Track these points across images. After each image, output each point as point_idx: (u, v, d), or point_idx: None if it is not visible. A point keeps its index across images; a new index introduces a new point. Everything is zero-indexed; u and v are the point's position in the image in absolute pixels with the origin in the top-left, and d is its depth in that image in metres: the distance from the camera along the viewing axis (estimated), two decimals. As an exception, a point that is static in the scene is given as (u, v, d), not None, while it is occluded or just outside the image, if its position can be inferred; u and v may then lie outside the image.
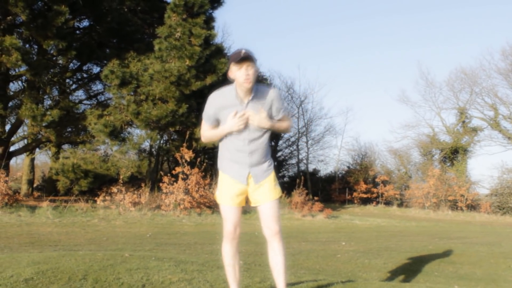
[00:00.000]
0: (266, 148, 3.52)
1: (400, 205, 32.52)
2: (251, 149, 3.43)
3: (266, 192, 3.49)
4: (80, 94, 22.19)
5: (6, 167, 16.46)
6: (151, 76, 15.66)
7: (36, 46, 17.78)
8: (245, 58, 3.26)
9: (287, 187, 24.11)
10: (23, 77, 18.29)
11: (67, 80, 20.38)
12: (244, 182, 3.45)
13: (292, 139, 35.08)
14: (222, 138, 3.50)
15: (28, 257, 5.01)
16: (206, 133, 3.53)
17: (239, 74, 3.29)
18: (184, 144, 16.33)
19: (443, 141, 36.12)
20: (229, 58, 3.41)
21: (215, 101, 3.43)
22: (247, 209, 13.49)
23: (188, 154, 15.96)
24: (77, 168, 16.23)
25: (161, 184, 16.03)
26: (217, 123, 3.46)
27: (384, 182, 32.52)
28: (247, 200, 3.59)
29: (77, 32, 18.61)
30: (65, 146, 21.65)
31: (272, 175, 3.55)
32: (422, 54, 67.58)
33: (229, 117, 3.34)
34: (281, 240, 3.50)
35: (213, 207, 16.84)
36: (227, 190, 3.49)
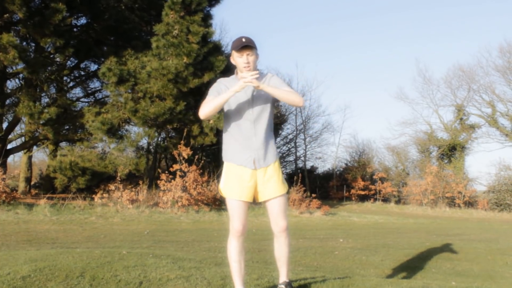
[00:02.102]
0: (269, 129, 3.60)
1: (398, 202, 32.54)
2: (256, 131, 3.50)
3: (274, 186, 3.54)
4: (77, 91, 22.20)
5: (4, 165, 16.44)
6: (148, 73, 15.65)
7: (33, 44, 17.74)
8: (246, 46, 3.44)
9: (285, 184, 24.04)
10: (21, 75, 18.26)
11: (65, 78, 20.36)
12: (251, 165, 3.48)
13: (290, 136, 35.13)
14: (227, 125, 3.59)
15: (25, 254, 5.01)
16: (207, 104, 3.45)
17: (240, 60, 3.48)
18: (182, 142, 16.33)
19: (441, 138, 36.16)
20: (231, 45, 3.57)
21: (219, 84, 3.60)
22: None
23: (185, 152, 15.96)
24: (74, 165, 16.21)
25: (158, 182, 16.02)
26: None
27: (382, 179, 32.54)
28: (254, 197, 3.58)
29: (75, 29, 18.56)
30: (63, 144, 21.60)
31: (278, 165, 3.61)
32: (420, 51, 67.77)
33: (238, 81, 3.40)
34: (288, 236, 3.61)
35: (210, 204, 16.84)
36: (235, 181, 3.51)
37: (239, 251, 3.49)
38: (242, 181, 3.49)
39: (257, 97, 3.52)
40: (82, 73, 21.39)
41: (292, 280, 4.30)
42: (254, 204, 3.70)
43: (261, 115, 3.53)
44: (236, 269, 3.49)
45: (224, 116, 3.63)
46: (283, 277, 3.68)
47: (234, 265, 3.49)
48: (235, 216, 3.48)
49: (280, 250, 3.63)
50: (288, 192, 3.72)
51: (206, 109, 3.44)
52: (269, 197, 3.53)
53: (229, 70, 19.63)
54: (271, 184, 3.53)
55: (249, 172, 3.49)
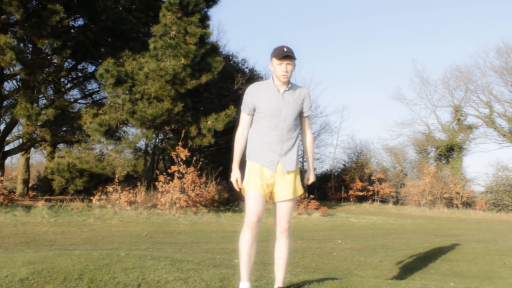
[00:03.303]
0: (296, 140, 3.76)
1: (396, 202, 32.57)
2: (284, 138, 3.66)
3: (289, 188, 3.69)
4: (75, 93, 22.15)
5: (1, 167, 16.44)
6: (146, 75, 15.64)
7: (30, 45, 17.72)
8: (287, 56, 3.58)
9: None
10: (18, 76, 18.22)
11: (62, 79, 20.32)
12: (273, 169, 3.64)
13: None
14: (256, 127, 3.74)
15: (23, 257, 4.99)
16: (238, 139, 3.78)
17: (279, 68, 3.61)
18: (180, 143, 16.31)
19: (439, 138, 36.22)
20: (271, 52, 3.68)
21: (253, 89, 3.75)
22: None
23: (183, 153, 15.94)
24: (72, 167, 16.19)
25: (157, 183, 15.99)
26: (254, 111, 3.72)
27: (380, 180, 32.55)
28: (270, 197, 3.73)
29: (72, 31, 18.55)
30: (61, 146, 21.60)
31: (297, 170, 3.77)
32: (417, 52, 67.77)
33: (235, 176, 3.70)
34: (288, 237, 3.77)
35: (209, 205, 16.82)
36: (257, 177, 3.63)
37: (251, 244, 3.55)
38: (263, 178, 3.62)
39: (288, 107, 3.68)
40: (80, 74, 21.36)
41: (291, 281, 4.30)
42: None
43: (291, 124, 3.69)
44: (245, 261, 3.55)
45: (254, 119, 3.76)
46: (278, 283, 3.75)
47: (244, 257, 3.56)
48: (252, 207, 3.57)
49: (280, 251, 3.74)
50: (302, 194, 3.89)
51: (235, 141, 3.79)
52: (282, 198, 3.67)
53: (226, 71, 19.65)
54: (287, 187, 3.67)
55: (269, 173, 3.65)
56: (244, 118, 3.78)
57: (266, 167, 3.62)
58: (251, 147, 3.74)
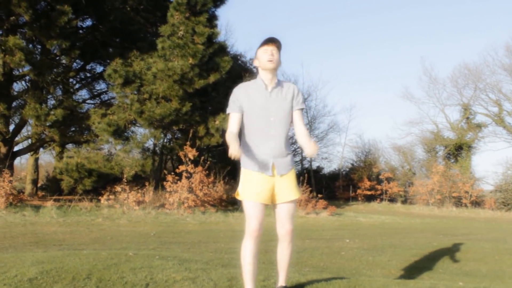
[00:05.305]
0: (287, 140, 3.63)
1: (404, 202, 32.48)
2: (275, 139, 3.53)
3: (288, 190, 3.56)
4: (83, 93, 22.24)
5: (11, 167, 16.50)
6: (154, 75, 15.67)
7: (39, 46, 17.80)
8: (272, 40, 3.51)
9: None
10: (27, 77, 18.31)
11: (71, 80, 20.41)
12: (269, 172, 3.50)
13: (296, 136, 35.02)
14: (246, 131, 3.60)
15: (32, 256, 5.02)
16: (227, 137, 3.48)
17: (264, 56, 3.50)
18: (188, 143, 16.34)
19: (447, 137, 36.06)
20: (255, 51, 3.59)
21: (240, 89, 3.61)
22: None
23: (191, 153, 15.97)
24: (81, 167, 16.25)
25: (165, 183, 16.04)
26: (241, 111, 3.56)
27: (388, 179, 32.47)
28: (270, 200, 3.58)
29: (80, 31, 18.61)
30: (69, 146, 21.68)
31: (294, 172, 3.66)
32: (426, 50, 67.51)
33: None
34: (292, 240, 3.60)
35: (217, 205, 16.84)
36: (252, 185, 3.50)
37: (254, 254, 3.45)
38: (259, 185, 3.48)
39: (276, 105, 3.55)
40: (88, 74, 21.44)
41: (299, 280, 4.30)
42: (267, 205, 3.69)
43: (281, 125, 3.55)
44: (249, 271, 3.45)
45: (244, 123, 3.61)
46: (281, 282, 3.71)
47: (248, 267, 3.45)
48: (253, 215, 3.44)
49: (282, 254, 3.63)
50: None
51: (228, 141, 3.44)
52: (282, 200, 3.54)
53: (234, 70, 19.64)
54: (287, 189, 3.55)
55: (266, 178, 3.51)
56: (233, 117, 3.58)
57: (261, 172, 3.49)
58: (244, 153, 3.58)
